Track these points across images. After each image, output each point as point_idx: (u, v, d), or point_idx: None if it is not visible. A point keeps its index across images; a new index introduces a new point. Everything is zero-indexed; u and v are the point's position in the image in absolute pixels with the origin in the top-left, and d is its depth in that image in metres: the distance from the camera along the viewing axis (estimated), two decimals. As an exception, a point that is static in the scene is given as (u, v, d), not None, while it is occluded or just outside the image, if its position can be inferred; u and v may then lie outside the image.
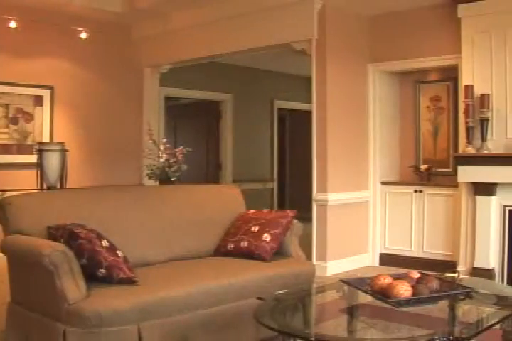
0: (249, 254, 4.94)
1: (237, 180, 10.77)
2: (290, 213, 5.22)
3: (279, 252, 5.12)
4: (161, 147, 6.22)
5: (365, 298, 3.78)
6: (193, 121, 11.41)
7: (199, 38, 8.50)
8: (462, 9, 7.03)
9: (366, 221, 8.10)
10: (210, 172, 11.17)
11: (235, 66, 10.75)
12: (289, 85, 12.03)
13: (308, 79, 7.60)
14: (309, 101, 7.60)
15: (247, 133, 11.39)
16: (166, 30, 8.84)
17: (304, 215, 7.23)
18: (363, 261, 8.03)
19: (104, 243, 4.05)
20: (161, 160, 6.11)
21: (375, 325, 3.69)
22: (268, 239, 4.94)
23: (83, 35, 8.30)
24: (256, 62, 10.55)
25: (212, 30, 8.32)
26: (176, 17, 8.62)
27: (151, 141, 6.57)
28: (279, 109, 12.27)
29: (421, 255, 7.73)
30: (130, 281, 3.98)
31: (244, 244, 4.98)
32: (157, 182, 6.36)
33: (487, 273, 6.75)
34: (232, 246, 5.05)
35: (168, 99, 10.14)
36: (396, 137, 8.41)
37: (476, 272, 6.82)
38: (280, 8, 7.58)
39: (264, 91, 11.70)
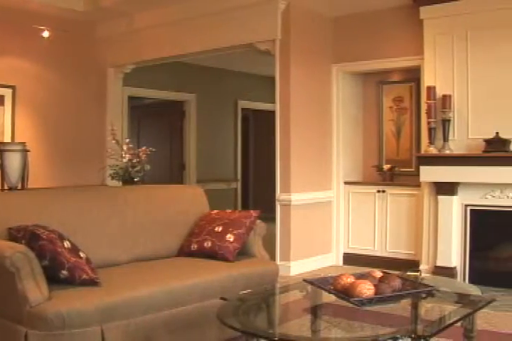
0: (212, 254, 4.94)
1: (201, 180, 10.75)
2: (253, 213, 5.23)
3: (243, 252, 5.14)
4: (124, 147, 6.17)
5: (329, 298, 3.79)
6: (156, 121, 11.36)
7: (163, 37, 8.46)
8: (424, 11, 7.09)
9: (330, 221, 8.13)
10: (173, 173, 11.12)
11: (199, 66, 10.72)
12: (253, 85, 12.04)
13: (272, 80, 7.61)
14: (273, 101, 7.61)
15: (211, 134, 11.36)
16: (129, 29, 8.78)
17: (268, 215, 7.25)
18: (326, 260, 8.06)
19: (67, 244, 4.01)
20: (124, 160, 6.07)
21: (338, 324, 3.71)
22: (231, 239, 4.95)
23: (45, 34, 8.19)
24: (220, 62, 10.53)
25: (176, 30, 8.29)
26: (140, 16, 8.57)
27: (114, 141, 6.51)
28: (243, 109, 12.26)
29: (384, 254, 7.78)
30: (93, 282, 3.94)
31: (207, 244, 4.98)
32: (120, 183, 6.31)
33: (449, 272, 6.82)
34: (195, 247, 5.05)
35: (131, 99, 10.07)
36: (359, 137, 8.46)
37: (439, 271, 6.88)
38: (244, 9, 7.58)
39: (228, 91, 11.68)
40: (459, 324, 3.60)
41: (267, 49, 7.60)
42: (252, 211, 5.31)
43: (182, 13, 8.06)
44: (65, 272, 3.87)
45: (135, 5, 8.17)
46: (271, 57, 7.63)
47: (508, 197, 6.59)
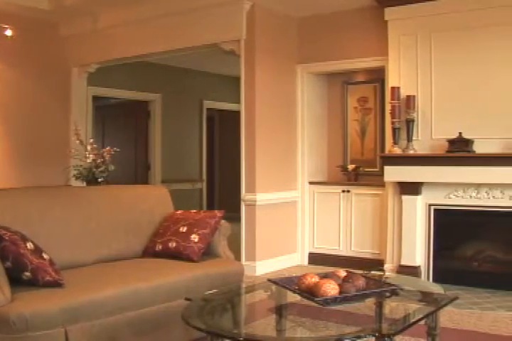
0: (177, 255, 4.93)
1: (166, 180, 10.71)
2: (218, 213, 5.23)
3: (208, 252, 5.13)
4: (88, 147, 6.12)
5: (294, 297, 3.78)
6: (121, 121, 11.28)
7: (128, 37, 8.41)
8: (389, 12, 7.15)
9: (295, 220, 8.16)
10: (138, 173, 11.07)
11: (164, 66, 10.68)
12: (218, 85, 12.03)
13: (238, 80, 7.61)
14: (238, 101, 7.61)
15: (176, 134, 11.32)
16: (94, 28, 8.69)
17: (234, 215, 7.26)
18: (292, 260, 8.08)
19: (30, 245, 3.96)
20: (88, 160, 6.02)
21: (303, 323, 3.72)
22: (196, 240, 4.94)
23: (8, 33, 8.05)
24: (185, 62, 10.50)
25: (141, 29, 8.24)
26: (105, 15, 8.50)
27: (78, 141, 6.46)
28: (208, 109, 12.24)
29: (349, 254, 7.83)
30: (56, 284, 3.90)
31: (172, 244, 4.96)
32: (84, 183, 6.26)
33: (413, 271, 6.88)
34: (160, 247, 5.02)
35: (96, 98, 9.98)
36: (324, 137, 8.49)
37: (403, 270, 6.93)
38: (209, 9, 7.56)
39: (193, 91, 11.65)
40: (422, 322, 3.63)
41: (232, 49, 7.59)
42: (216, 211, 5.31)
43: (147, 12, 8.01)
44: (28, 274, 3.83)
45: (99, 4, 8.09)
46: (236, 57, 7.62)
47: (471, 196, 6.67)
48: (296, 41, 8.17)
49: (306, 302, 3.54)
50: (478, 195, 6.63)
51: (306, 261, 8.20)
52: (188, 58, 9.72)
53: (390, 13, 7.15)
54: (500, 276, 6.64)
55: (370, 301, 3.79)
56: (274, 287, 4.01)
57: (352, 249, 7.82)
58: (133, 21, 8.25)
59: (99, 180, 5.99)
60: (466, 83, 6.69)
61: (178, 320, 3.45)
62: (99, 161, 6.02)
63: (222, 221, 5.30)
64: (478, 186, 6.61)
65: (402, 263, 7.05)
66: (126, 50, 8.47)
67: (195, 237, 4.95)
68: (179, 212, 5.44)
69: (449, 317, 5.45)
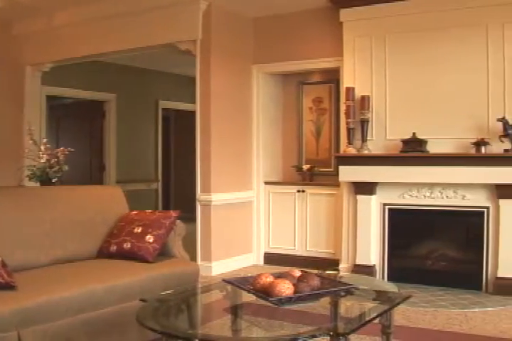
0: (132, 256, 4.89)
1: (121, 180, 10.63)
2: (173, 213, 5.21)
3: (163, 253, 5.10)
4: (42, 147, 6.04)
5: (249, 297, 3.78)
6: (76, 121, 11.15)
7: (83, 36, 8.30)
8: (344, 14, 7.21)
9: (250, 221, 8.16)
10: (93, 173, 10.97)
11: (119, 65, 10.60)
12: (174, 85, 11.97)
13: (194, 80, 7.58)
14: (194, 101, 7.58)
15: (132, 134, 11.24)
16: (48, 27, 8.57)
17: (189, 216, 7.24)
18: (247, 260, 8.08)
19: (-19, 246, 3.91)
20: (42, 160, 5.94)
21: (259, 323, 3.72)
22: (151, 240, 4.91)
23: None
24: (141, 61, 10.44)
25: (97, 28, 8.15)
26: (59, 14, 8.37)
27: (31, 141, 6.37)
28: (164, 109, 12.18)
29: (304, 253, 7.86)
30: (9, 286, 3.83)
31: (127, 245, 4.93)
32: (38, 184, 6.18)
33: (368, 270, 6.94)
34: (115, 248, 4.98)
35: (50, 98, 9.86)
36: (279, 137, 8.51)
37: (358, 269, 6.99)
38: (165, 8, 7.52)
39: (149, 91, 11.58)
40: (377, 320, 3.67)
41: (188, 49, 7.56)
42: (171, 211, 5.29)
43: (102, 11, 7.92)
44: (-22, 276, 3.77)
45: (54, 2, 7.97)
46: (192, 57, 7.59)
47: (425, 196, 6.75)
48: (252, 41, 8.18)
49: (261, 302, 3.53)
50: (432, 195, 6.72)
51: (261, 261, 8.21)
52: (144, 58, 9.67)
53: (345, 14, 7.21)
54: (453, 274, 6.73)
55: (325, 300, 3.81)
56: (229, 287, 4.00)
57: (307, 248, 7.85)
58: (88, 20, 8.15)
59: (53, 180, 5.91)
60: (420, 84, 6.78)
61: (132, 321, 3.43)
62: (53, 161, 5.93)
63: (178, 221, 5.27)
64: (431, 186, 6.69)
65: (357, 262, 7.10)
66: (81, 49, 8.35)
67: (150, 238, 4.92)
68: (134, 212, 5.40)
69: (403, 316, 5.51)
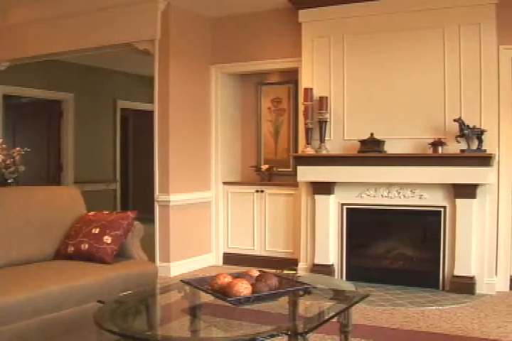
0: (90, 257, 4.84)
1: (79, 181, 10.55)
2: (131, 214, 5.17)
3: (121, 254, 5.07)
4: (-3, 148, 5.99)
5: (208, 298, 3.77)
6: (33, 121, 11.02)
7: (39, 35, 8.20)
8: (303, 14, 7.24)
9: (209, 221, 8.15)
10: (51, 174, 10.85)
11: (77, 64, 10.51)
12: (132, 85, 11.91)
13: (153, 79, 7.54)
14: (153, 101, 7.54)
15: (90, 134, 11.14)
16: (4, 25, 8.44)
17: (148, 216, 7.23)
18: (206, 260, 8.07)
19: None
20: (-3, 161, 5.89)
21: (217, 323, 3.72)
22: (109, 241, 4.87)
23: None
24: (99, 61, 10.34)
25: (54, 27, 8.05)
26: (16, 12, 8.27)
27: (-14, 142, 6.31)
28: (123, 109, 12.10)
29: (263, 253, 7.87)
30: (-38, 288, 3.79)
31: (84, 246, 4.88)
32: (-7, 184, 6.11)
33: (327, 269, 6.98)
34: (72, 249, 4.93)
35: (6, 97, 9.74)
36: (238, 137, 8.51)
37: (317, 268, 7.03)
38: (123, 7, 7.47)
39: (107, 90, 11.50)
40: (335, 319, 3.69)
41: (146, 49, 7.52)
42: (129, 212, 5.24)
43: (60, 10, 7.84)
44: None
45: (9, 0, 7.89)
46: (150, 57, 7.55)
47: (382, 195, 6.81)
48: (211, 41, 8.16)
49: (219, 302, 3.53)
50: (390, 194, 6.78)
51: (220, 261, 8.20)
52: (102, 57, 9.57)
53: (304, 15, 7.24)
54: (411, 273, 6.80)
55: (284, 300, 3.81)
56: (187, 288, 3.99)
57: (266, 248, 7.86)
58: (45, 19, 8.05)
59: (9, 181, 5.87)
60: (378, 84, 6.84)
61: (91, 323, 3.39)
62: (8, 162, 5.89)
63: (136, 222, 5.24)
64: (389, 185, 6.76)
65: (316, 262, 7.13)
66: (39, 48, 8.25)
67: (107, 239, 4.88)
68: (91, 213, 5.34)
69: (361, 314, 5.56)
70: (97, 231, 4.95)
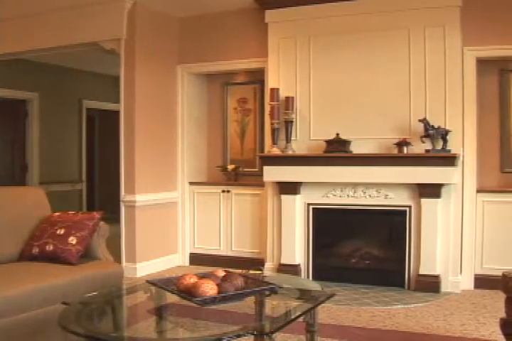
0: (55, 258, 4.80)
1: (45, 181, 10.46)
2: (97, 215, 5.14)
3: (87, 255, 5.04)
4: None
5: (174, 298, 3.76)
6: (-3, 121, 10.92)
7: (4, 33, 8.08)
8: (269, 15, 7.26)
9: (175, 221, 8.12)
10: (16, 174, 10.74)
11: (43, 64, 10.40)
12: (98, 85, 11.82)
13: (119, 79, 7.50)
14: (119, 101, 7.51)
15: (55, 134, 11.05)
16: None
17: (115, 216, 7.19)
18: (173, 261, 8.04)
19: None
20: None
21: (184, 324, 3.71)
22: (74, 242, 4.84)
23: None
24: (65, 60, 10.25)
25: (19, 25, 7.95)
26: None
27: None
28: (89, 109, 12.01)
29: (229, 253, 7.86)
30: None
31: (49, 247, 4.84)
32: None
33: (293, 269, 7.00)
34: (37, 250, 4.88)
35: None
36: (204, 138, 8.50)
37: (283, 268, 7.05)
38: (89, 6, 7.39)
39: (73, 90, 11.40)
40: (301, 319, 3.70)
41: (113, 48, 7.48)
42: (95, 212, 5.22)
43: (24, 8, 7.73)
44: None
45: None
46: (116, 56, 7.50)
47: (348, 195, 6.85)
48: (178, 41, 8.14)
49: (186, 302, 3.52)
50: (355, 194, 6.82)
51: (187, 262, 8.17)
52: (69, 57, 9.49)
53: (271, 15, 7.25)
54: (377, 272, 6.85)
55: (250, 300, 3.82)
56: (153, 288, 3.98)
57: (232, 248, 7.86)
58: (10, 17, 7.94)
59: (-28, 181, 5.80)
60: (344, 85, 6.88)
61: (56, 326, 3.36)
62: (-29, 162, 5.82)
63: (101, 222, 5.21)
64: (355, 185, 6.80)
65: (283, 261, 7.15)
66: (2, 47, 8.12)
67: (73, 239, 4.85)
68: (57, 213, 5.30)
69: (328, 314, 5.58)
70: (62, 232, 4.91)
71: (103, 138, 13.60)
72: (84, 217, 5.10)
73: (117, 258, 6.34)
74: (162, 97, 7.88)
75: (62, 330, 3.27)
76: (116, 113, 7.66)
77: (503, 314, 4.21)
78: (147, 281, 3.96)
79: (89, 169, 12.64)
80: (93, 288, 4.48)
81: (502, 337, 4.28)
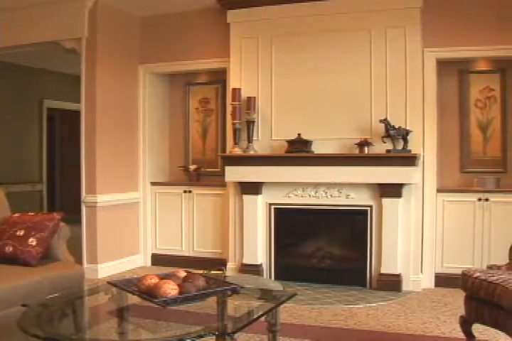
0: (14, 259, 4.74)
1: (3, 182, 10.31)
2: (57, 215, 5.09)
3: (47, 256, 4.98)
4: None
5: (135, 299, 3.74)
6: (-47, 121, 10.75)
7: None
8: (231, 15, 7.26)
9: (137, 222, 8.08)
10: (-27, 175, 10.61)
11: (2, 62, 10.25)
12: (60, 84, 11.68)
13: (80, 79, 7.43)
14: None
15: (14, 134, 10.90)
16: None
17: (76, 217, 7.12)
18: (135, 262, 8.00)
19: None
20: None
21: (145, 325, 3.70)
22: (34, 243, 4.79)
23: None
24: (24, 59, 10.13)
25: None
26: None
27: None
28: (50, 109, 11.88)
29: (191, 254, 7.85)
30: None
31: (8, 249, 4.78)
32: None
33: (255, 269, 7.02)
34: (-5, 252, 4.83)
35: None
36: (166, 138, 8.47)
37: (245, 268, 7.07)
38: (50, 5, 7.31)
39: (33, 89, 11.26)
40: (263, 319, 3.71)
41: (73, 47, 7.41)
42: (55, 213, 5.17)
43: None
44: None
45: None
46: (77, 56, 7.43)
47: (310, 195, 6.88)
48: (139, 41, 8.10)
49: (147, 303, 3.51)
50: (317, 194, 6.85)
51: (149, 263, 8.14)
52: (28, 55, 9.38)
53: (232, 15, 7.26)
54: (339, 272, 6.89)
55: (212, 300, 3.81)
56: (114, 289, 3.95)
57: (194, 249, 7.84)
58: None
59: None
60: (305, 85, 6.92)
61: (16, 328, 3.32)
62: None
63: (62, 223, 5.16)
64: (316, 185, 6.83)
65: (245, 261, 7.16)
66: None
67: (32, 241, 4.79)
68: (16, 214, 5.23)
69: (290, 313, 5.60)
70: (21, 233, 4.85)
71: (64, 138, 13.47)
72: (45, 218, 5.04)
73: (78, 260, 6.28)
74: (123, 97, 7.83)
75: (22, 333, 3.23)
76: (78, 113, 7.59)
77: (463, 312, 4.28)
78: (108, 282, 3.94)
79: (50, 169, 12.51)
80: (54, 289, 4.43)
81: (462, 334, 4.35)
